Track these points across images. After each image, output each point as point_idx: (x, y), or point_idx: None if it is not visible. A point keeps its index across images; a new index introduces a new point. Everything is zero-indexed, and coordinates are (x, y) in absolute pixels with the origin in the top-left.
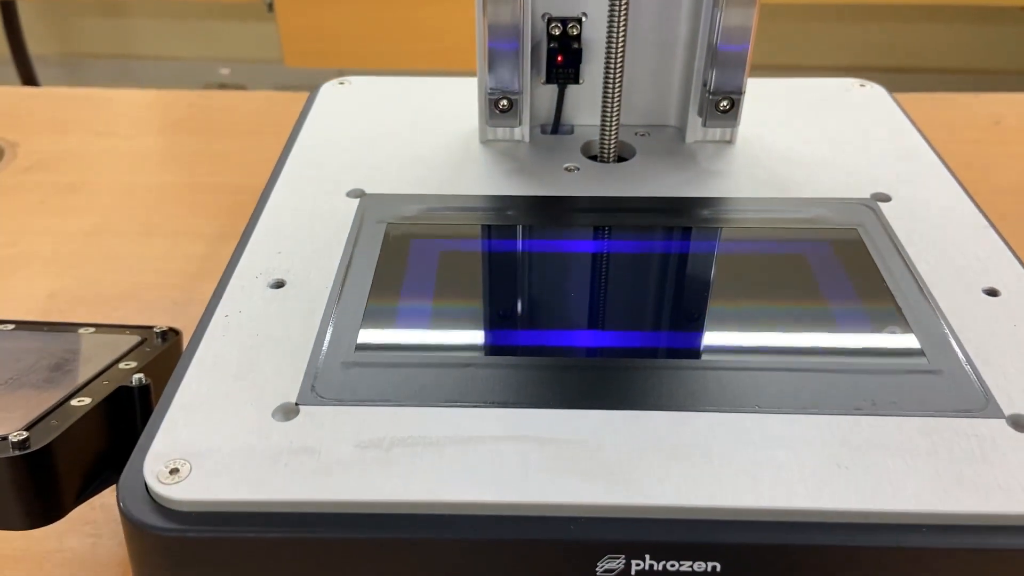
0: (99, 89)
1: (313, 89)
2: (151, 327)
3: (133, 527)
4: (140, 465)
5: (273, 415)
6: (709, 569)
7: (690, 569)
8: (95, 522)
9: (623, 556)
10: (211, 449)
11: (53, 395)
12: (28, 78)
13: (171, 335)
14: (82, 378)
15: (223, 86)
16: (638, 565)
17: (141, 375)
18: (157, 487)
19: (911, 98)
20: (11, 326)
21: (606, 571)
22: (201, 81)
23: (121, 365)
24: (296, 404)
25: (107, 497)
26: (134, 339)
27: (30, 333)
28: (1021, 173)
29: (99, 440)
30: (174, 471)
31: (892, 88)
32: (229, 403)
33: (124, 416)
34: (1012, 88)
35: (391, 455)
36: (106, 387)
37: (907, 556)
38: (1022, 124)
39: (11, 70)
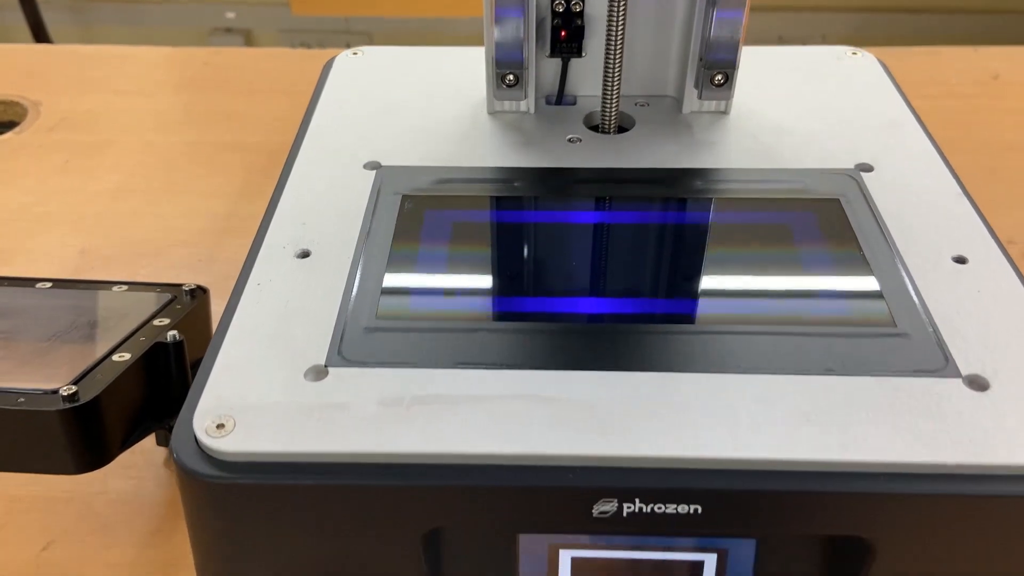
0: (115, 46)
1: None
2: (180, 285)
3: (186, 475)
4: (190, 421)
5: (305, 376)
6: (691, 511)
7: (675, 512)
8: (136, 466)
9: (616, 500)
10: (252, 406)
11: (95, 351)
12: (35, 23)
13: (199, 293)
14: (120, 334)
15: (229, 30)
16: (629, 508)
17: (175, 332)
18: (206, 440)
19: (909, 52)
20: (49, 284)
21: (601, 513)
22: (207, 25)
23: (155, 322)
24: (325, 366)
25: (146, 444)
26: (165, 297)
27: (67, 291)
28: (1016, 128)
29: (139, 392)
30: (220, 426)
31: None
32: (265, 365)
33: (160, 370)
34: (1005, 31)
35: (411, 412)
36: (143, 343)
37: (868, 501)
38: (1020, 79)
39: (18, 15)
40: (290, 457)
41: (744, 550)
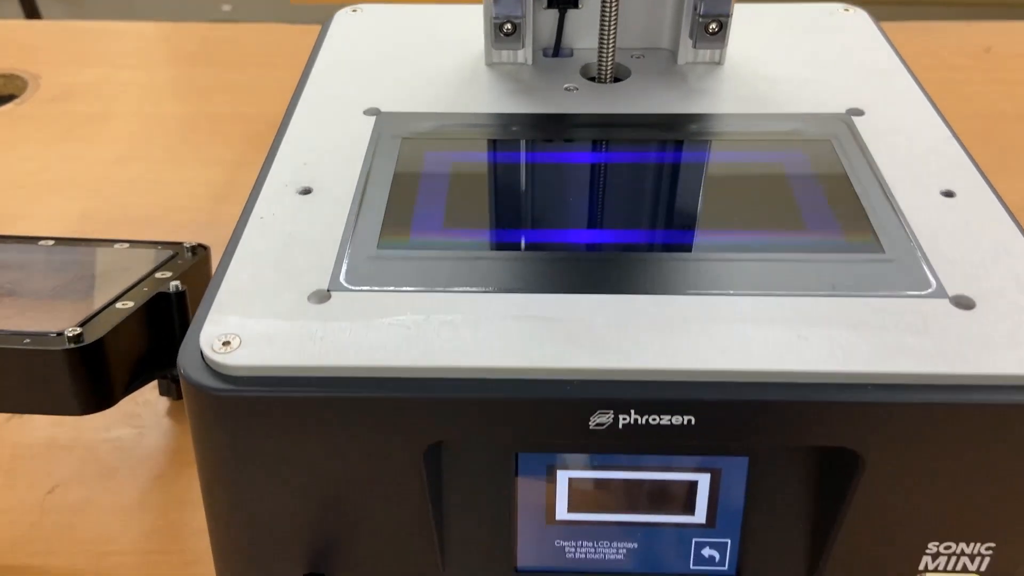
0: (112, 22)
1: (320, 23)
2: (181, 243)
3: (193, 389)
4: (196, 339)
5: (308, 299)
6: (685, 422)
7: (669, 422)
8: (139, 415)
9: (612, 411)
10: (256, 325)
11: (98, 300)
12: (31, 13)
13: (200, 250)
14: (122, 286)
15: (225, 23)
16: (624, 419)
17: (177, 282)
18: (212, 355)
19: (901, 27)
20: (51, 242)
21: (597, 424)
22: (203, 16)
23: (157, 275)
24: (328, 290)
25: (150, 394)
26: (166, 253)
27: (69, 248)
28: (1009, 98)
29: (142, 339)
30: (226, 343)
31: (883, 15)
32: (269, 290)
33: (163, 319)
34: (1003, 17)
35: (412, 330)
36: (146, 293)
37: (856, 412)
38: (1012, 52)
39: (14, 6)
40: (294, 371)
41: (736, 469)
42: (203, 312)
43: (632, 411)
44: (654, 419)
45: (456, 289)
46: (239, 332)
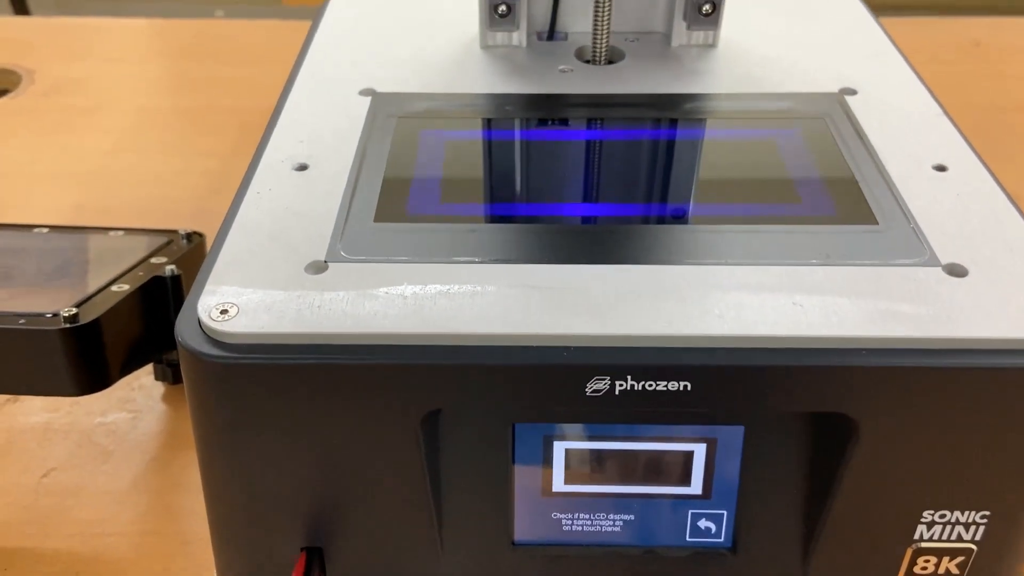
0: (106, 19)
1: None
2: (176, 230)
3: (190, 356)
4: (194, 308)
5: (305, 270)
6: (681, 388)
7: (665, 388)
8: (134, 400)
9: (608, 378)
10: (254, 294)
11: (93, 284)
12: (20, 9)
13: (195, 237)
14: (117, 271)
15: None
16: (621, 385)
17: (173, 267)
18: (210, 323)
19: (891, 21)
20: (46, 230)
21: (594, 391)
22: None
23: (152, 260)
24: (325, 261)
25: (144, 378)
26: (161, 239)
27: (64, 235)
28: (997, 92)
29: (138, 322)
30: (224, 311)
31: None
32: (266, 261)
33: (159, 303)
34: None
35: (408, 299)
36: (141, 277)
37: (850, 376)
38: (1001, 45)
39: (5, 7)
40: (292, 339)
41: (732, 439)
42: (200, 281)
43: (628, 377)
44: (650, 385)
45: (453, 260)
46: (236, 301)
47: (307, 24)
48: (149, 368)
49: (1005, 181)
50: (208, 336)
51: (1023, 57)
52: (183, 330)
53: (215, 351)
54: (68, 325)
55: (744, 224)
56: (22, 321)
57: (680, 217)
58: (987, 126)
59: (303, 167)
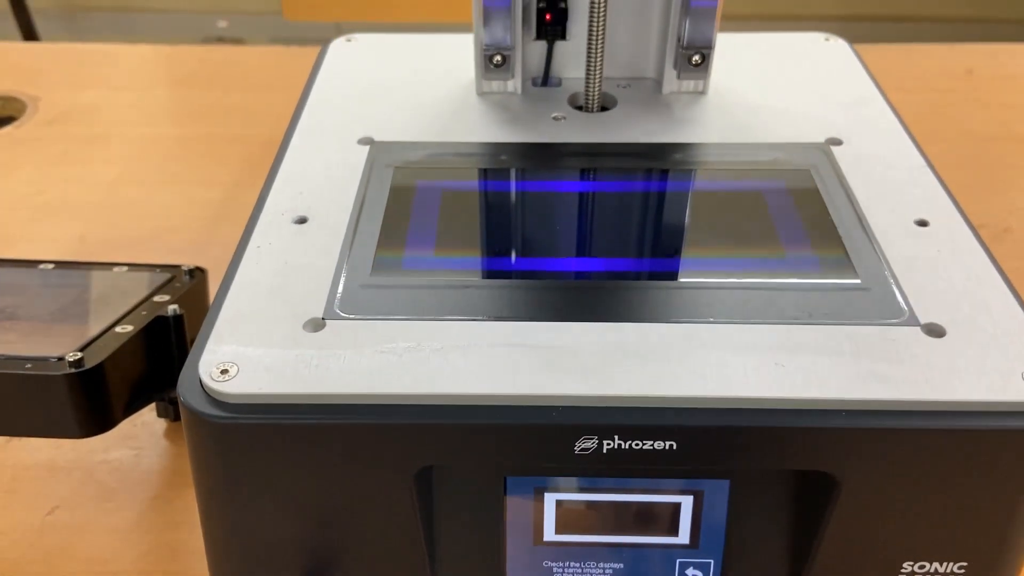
0: (111, 45)
1: (316, 43)
2: (179, 266)
3: (192, 416)
4: (196, 367)
5: (304, 327)
6: (667, 447)
7: (651, 447)
8: (137, 437)
9: (596, 437)
10: (254, 353)
11: (98, 324)
12: (28, 31)
13: (197, 273)
14: (121, 310)
15: (220, 39)
16: (608, 444)
17: (175, 306)
18: (211, 383)
19: (885, 49)
20: (51, 265)
21: (582, 450)
22: (199, 34)
23: (155, 299)
24: (323, 319)
25: (147, 416)
26: (164, 276)
27: (68, 271)
28: (989, 121)
29: (141, 362)
30: (224, 371)
31: (864, 38)
32: (266, 318)
33: (162, 342)
34: (982, 37)
35: (403, 358)
36: (145, 317)
37: (832, 436)
38: (993, 74)
39: (11, 24)
40: (290, 399)
41: (719, 491)
42: (202, 340)
43: (616, 437)
44: (637, 444)
45: (446, 317)
46: (236, 360)
47: (308, 50)
48: (151, 404)
49: (998, 211)
50: (209, 396)
51: (1015, 85)
52: (185, 389)
53: (216, 411)
54: (73, 370)
55: (730, 278)
56: (28, 365)
57: (669, 272)
58: (979, 155)
59: (302, 220)
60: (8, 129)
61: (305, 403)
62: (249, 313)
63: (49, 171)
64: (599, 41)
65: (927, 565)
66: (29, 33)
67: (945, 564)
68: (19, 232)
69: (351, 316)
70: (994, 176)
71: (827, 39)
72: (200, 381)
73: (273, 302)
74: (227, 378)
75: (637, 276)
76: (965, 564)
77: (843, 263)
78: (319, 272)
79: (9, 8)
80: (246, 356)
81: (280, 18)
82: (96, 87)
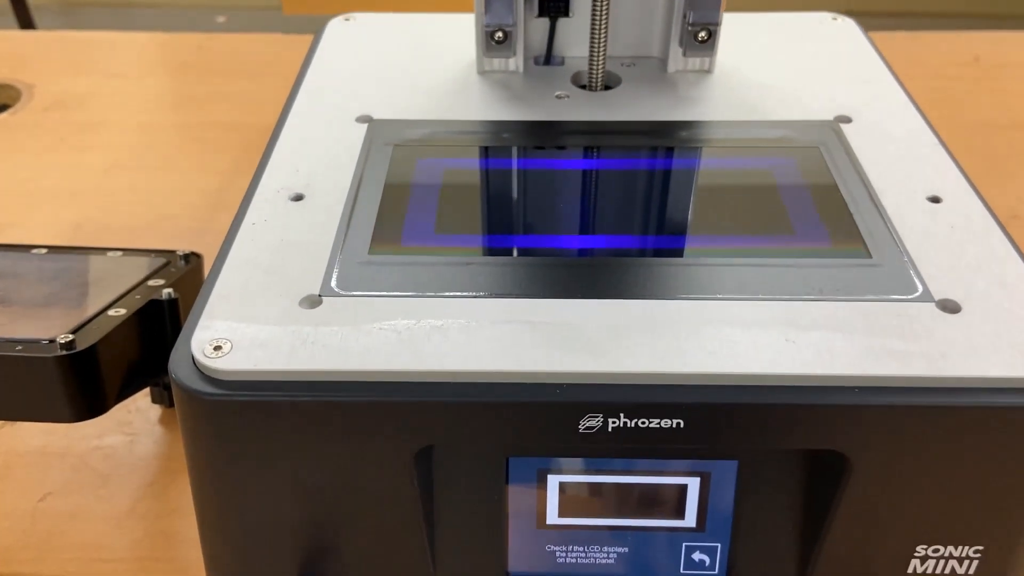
0: (107, 32)
1: (318, 30)
2: (174, 251)
3: (184, 394)
4: (188, 344)
5: (300, 304)
6: (674, 425)
7: (658, 426)
8: (131, 423)
9: (601, 415)
10: (247, 330)
11: (91, 307)
12: (27, 26)
13: (193, 258)
14: (115, 294)
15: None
16: (614, 423)
17: (170, 290)
18: (204, 360)
19: (892, 36)
20: (44, 250)
21: (587, 428)
22: (197, 29)
23: (150, 283)
24: (319, 295)
25: (141, 401)
26: (159, 261)
27: (62, 256)
28: (996, 108)
29: (135, 346)
30: (217, 348)
31: (873, 26)
32: (260, 295)
33: (156, 326)
34: (991, 27)
35: (402, 335)
36: (139, 300)
37: (843, 414)
38: (1000, 61)
39: (10, 19)
40: (285, 375)
41: (726, 473)
42: (195, 317)
43: (621, 415)
44: (643, 422)
45: (446, 294)
46: (230, 337)
47: (307, 37)
48: (146, 390)
49: (1005, 199)
50: (202, 372)
51: (1023, 72)
52: (177, 366)
53: (208, 388)
54: (64, 352)
55: (738, 256)
56: (19, 347)
57: (675, 249)
58: (986, 142)
59: (299, 197)
60: (3, 116)
61: (301, 380)
62: (243, 290)
63: (45, 158)
64: (603, 18)
65: (941, 549)
66: (28, 27)
67: (960, 548)
68: (15, 219)
69: (348, 293)
70: (1001, 163)
71: (835, 18)
72: (192, 358)
73: (268, 279)
74: (220, 354)
75: (642, 253)
76: (981, 548)
77: (855, 239)
78: (316, 249)
79: (8, 4)
80: (240, 332)
81: (279, 13)
82: (92, 74)
